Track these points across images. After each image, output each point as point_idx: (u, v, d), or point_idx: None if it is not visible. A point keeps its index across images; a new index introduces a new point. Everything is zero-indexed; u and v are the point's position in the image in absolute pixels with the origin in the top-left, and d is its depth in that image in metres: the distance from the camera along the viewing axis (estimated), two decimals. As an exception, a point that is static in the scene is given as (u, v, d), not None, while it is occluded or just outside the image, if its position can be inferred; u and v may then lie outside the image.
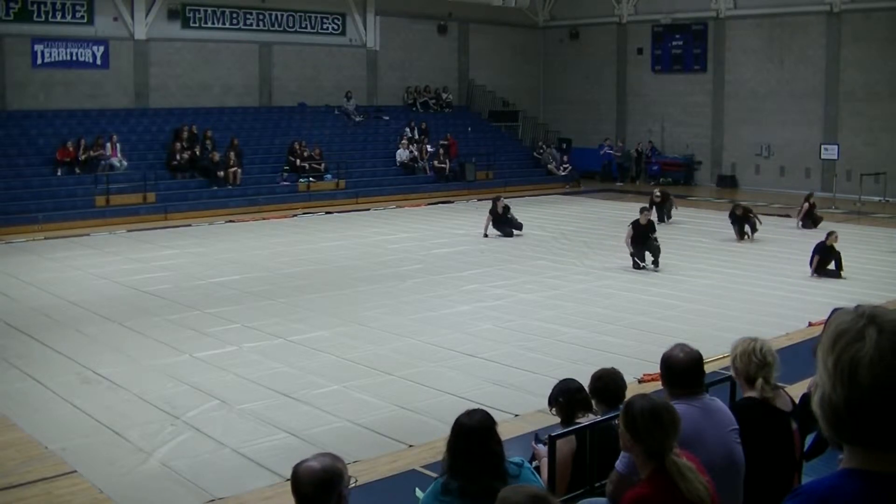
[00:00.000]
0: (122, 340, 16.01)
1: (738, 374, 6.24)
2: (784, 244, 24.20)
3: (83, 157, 31.73)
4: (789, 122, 39.08)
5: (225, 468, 10.46)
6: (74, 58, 34.48)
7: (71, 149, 31.67)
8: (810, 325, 16.19)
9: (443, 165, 39.32)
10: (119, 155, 32.47)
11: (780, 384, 6.34)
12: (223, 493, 9.77)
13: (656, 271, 22.08)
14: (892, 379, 2.17)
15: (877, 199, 34.08)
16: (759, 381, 6.09)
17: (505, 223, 27.18)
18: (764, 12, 39.98)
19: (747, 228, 26.38)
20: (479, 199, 35.13)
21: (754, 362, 6.09)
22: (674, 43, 43.91)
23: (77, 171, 31.64)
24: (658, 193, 29.67)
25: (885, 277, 21.40)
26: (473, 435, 5.43)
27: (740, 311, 18.00)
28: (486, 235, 26.90)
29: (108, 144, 32.35)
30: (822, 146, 37.28)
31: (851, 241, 25.80)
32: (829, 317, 7.55)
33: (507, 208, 27.29)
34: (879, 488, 2.21)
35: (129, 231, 28.69)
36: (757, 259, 23.70)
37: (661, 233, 23.88)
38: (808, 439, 6.90)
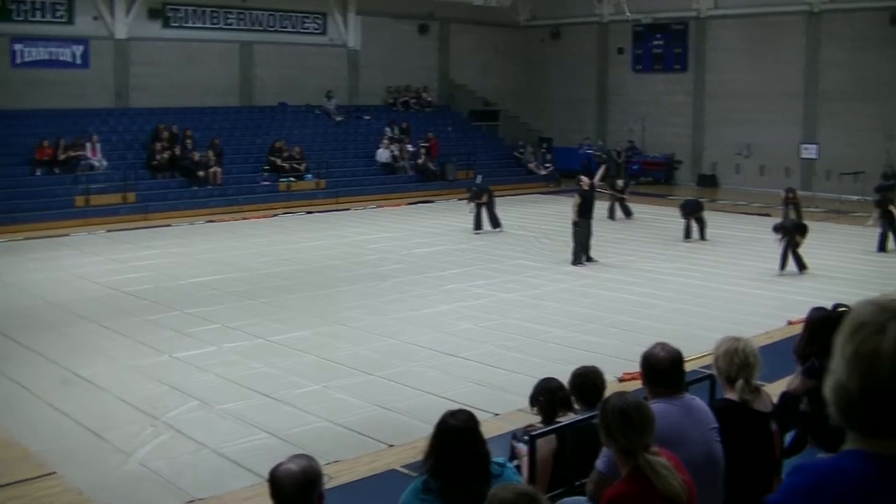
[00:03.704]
0: (102, 341, 15.97)
1: (720, 373, 6.22)
2: (763, 243, 24.25)
3: (63, 156, 31.59)
4: (769, 121, 39.13)
5: (205, 469, 10.45)
6: (54, 57, 34.29)
7: (49, 148, 31.51)
8: (790, 323, 16.22)
9: (425, 165, 39.28)
10: (99, 155, 32.32)
11: (760, 383, 6.34)
12: (203, 493, 9.76)
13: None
14: None
15: (856, 198, 34.19)
16: (740, 383, 6.09)
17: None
18: (744, 12, 40.07)
19: (695, 227, 26.65)
20: (459, 199, 35.15)
21: (736, 363, 6.07)
22: (654, 43, 43.96)
23: (56, 170, 31.49)
24: None
25: (865, 275, 21.47)
26: (459, 436, 5.43)
27: (720, 310, 18.09)
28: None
29: (88, 144, 32.21)
30: (802, 146, 37.46)
31: (831, 239, 25.98)
32: (808, 316, 7.56)
33: None
34: (882, 468, 2.25)
35: (108, 231, 28.59)
36: (736, 258, 23.78)
37: (637, 231, 24.02)
38: (787, 437, 6.92)
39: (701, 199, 28.62)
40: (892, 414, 2.25)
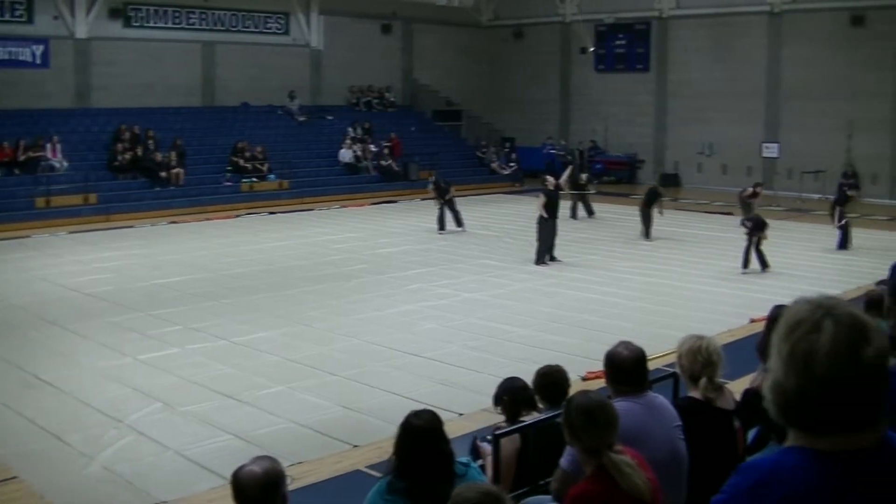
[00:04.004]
0: (65, 344, 15.85)
1: (683, 371, 6.27)
2: (726, 241, 24.41)
3: (23, 157, 31.35)
4: (731, 120, 39.37)
5: (168, 471, 10.40)
6: (14, 57, 34.00)
7: (9, 149, 31.27)
8: (752, 321, 16.33)
9: (388, 165, 39.27)
10: (60, 156, 32.08)
11: (723, 381, 6.38)
12: (167, 496, 9.71)
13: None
14: (845, 371, 2.25)
15: (817, 196, 34.47)
16: (703, 381, 6.13)
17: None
18: (706, 12, 40.29)
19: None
20: (422, 199, 35.12)
21: (699, 361, 6.12)
22: (617, 42, 44.13)
23: (16, 171, 31.24)
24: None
25: (825, 273, 21.65)
26: (423, 435, 5.44)
27: (683, 309, 18.17)
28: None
29: (49, 145, 31.98)
30: (764, 144, 37.69)
31: (792, 237, 26.15)
32: (770, 313, 7.59)
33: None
34: (818, 463, 2.30)
35: (70, 233, 28.37)
36: (699, 256, 23.92)
37: (600, 230, 24.15)
38: (751, 434, 6.96)
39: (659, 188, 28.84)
40: (830, 412, 2.28)
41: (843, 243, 24.96)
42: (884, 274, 5.01)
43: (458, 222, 28.35)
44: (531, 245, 23.43)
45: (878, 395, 2.31)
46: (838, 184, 31.19)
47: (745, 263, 21.88)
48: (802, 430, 2.34)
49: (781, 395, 2.33)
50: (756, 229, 22.05)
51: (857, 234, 25.46)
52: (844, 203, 25.51)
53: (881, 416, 2.34)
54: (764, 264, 21.91)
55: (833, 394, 2.26)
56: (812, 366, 2.26)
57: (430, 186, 29.63)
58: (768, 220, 22.96)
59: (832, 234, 25.30)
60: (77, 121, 34.84)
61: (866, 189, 35.65)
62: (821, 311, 2.32)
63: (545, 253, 23.04)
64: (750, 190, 28.18)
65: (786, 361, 2.31)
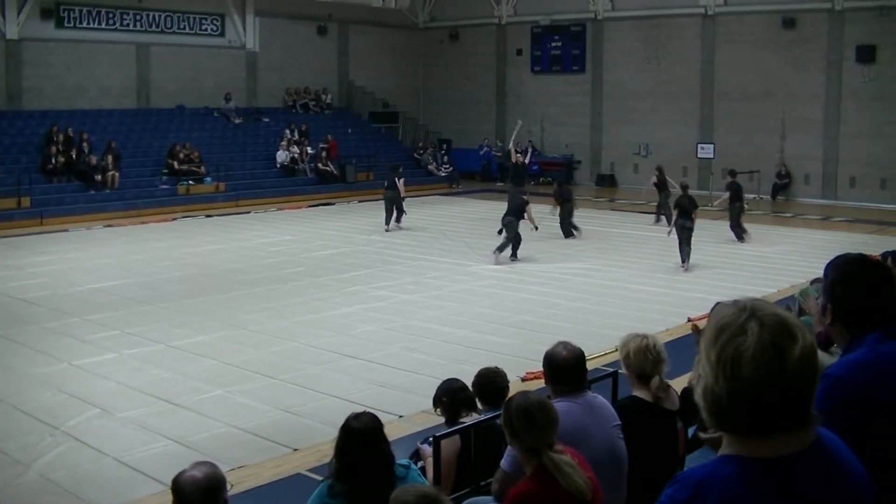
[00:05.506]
0: (-2, 349, 15.66)
1: (631, 370, 6.24)
2: (660, 241, 24.58)
3: (-47, 161, 30.96)
4: (666, 121, 39.74)
5: (107, 478, 10.30)
6: (-59, 58, 33.56)
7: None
8: (689, 320, 16.47)
9: (326, 168, 39.19)
10: (-9, 159, 31.73)
11: (667, 382, 6.41)
12: (105, 503, 9.62)
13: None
14: (772, 372, 2.27)
15: (751, 196, 34.80)
16: (655, 380, 6.14)
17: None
18: (641, 14, 40.65)
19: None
20: (359, 201, 35.04)
21: (650, 359, 6.12)
22: (552, 44, 44.36)
23: (-54, 175, 30.83)
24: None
25: (760, 272, 21.87)
26: (362, 437, 5.44)
27: (620, 308, 18.29)
28: None
29: (-21, 149, 31.62)
30: (699, 145, 37.99)
31: (727, 236, 26.38)
32: (713, 310, 7.64)
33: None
34: (752, 472, 2.32)
35: (2, 237, 27.97)
36: (635, 256, 24.07)
37: (536, 231, 24.41)
38: (690, 431, 7.03)
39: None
40: (761, 414, 2.30)
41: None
42: (816, 273, 5.09)
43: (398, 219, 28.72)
44: (468, 247, 23.48)
45: (807, 394, 2.34)
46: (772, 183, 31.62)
47: (685, 259, 22.11)
48: (737, 434, 2.36)
49: (713, 400, 2.34)
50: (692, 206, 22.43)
51: (791, 233, 25.77)
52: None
53: (812, 415, 2.37)
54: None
55: (763, 395, 2.28)
56: (740, 368, 2.28)
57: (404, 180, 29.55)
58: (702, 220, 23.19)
59: (767, 232, 25.55)
60: (8, 123, 34.41)
61: (799, 189, 36.41)
62: (745, 314, 2.34)
63: (507, 247, 23.18)
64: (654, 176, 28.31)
65: (714, 366, 2.32)
